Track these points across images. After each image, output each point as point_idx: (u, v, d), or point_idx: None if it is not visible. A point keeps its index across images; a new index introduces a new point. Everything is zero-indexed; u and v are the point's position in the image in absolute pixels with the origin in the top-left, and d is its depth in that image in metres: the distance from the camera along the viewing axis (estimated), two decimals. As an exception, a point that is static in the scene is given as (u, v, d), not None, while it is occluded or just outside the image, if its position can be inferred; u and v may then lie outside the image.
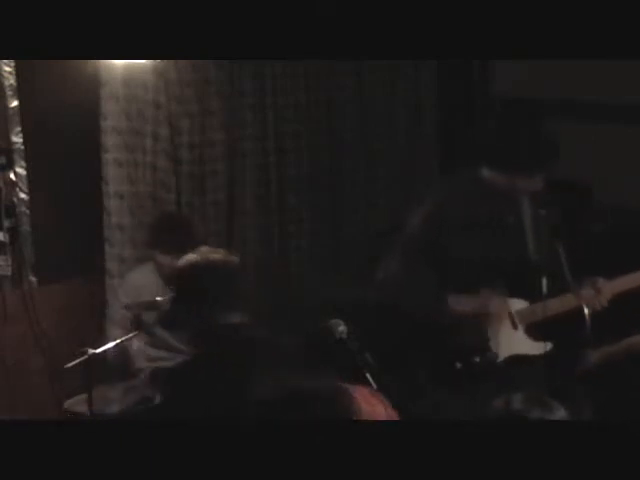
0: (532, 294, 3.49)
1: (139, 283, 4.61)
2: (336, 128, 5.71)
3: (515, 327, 3.55)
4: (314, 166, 5.61)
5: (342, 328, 3.02)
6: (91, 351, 3.81)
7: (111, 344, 4.10)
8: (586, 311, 3.35)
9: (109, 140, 4.81)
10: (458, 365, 3.49)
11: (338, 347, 3.00)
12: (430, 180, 5.97)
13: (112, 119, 4.80)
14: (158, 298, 4.16)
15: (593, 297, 3.47)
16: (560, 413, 2.22)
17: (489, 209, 3.51)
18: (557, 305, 3.48)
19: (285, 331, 3.29)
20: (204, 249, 3.20)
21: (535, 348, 3.55)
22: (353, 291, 5.37)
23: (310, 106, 5.56)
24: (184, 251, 4.46)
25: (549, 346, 3.55)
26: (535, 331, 3.56)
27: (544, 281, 3.37)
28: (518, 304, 3.56)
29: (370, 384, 2.89)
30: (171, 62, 4.92)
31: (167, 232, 4.56)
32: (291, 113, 5.47)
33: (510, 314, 3.55)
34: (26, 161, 4.70)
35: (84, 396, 3.96)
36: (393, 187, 5.95)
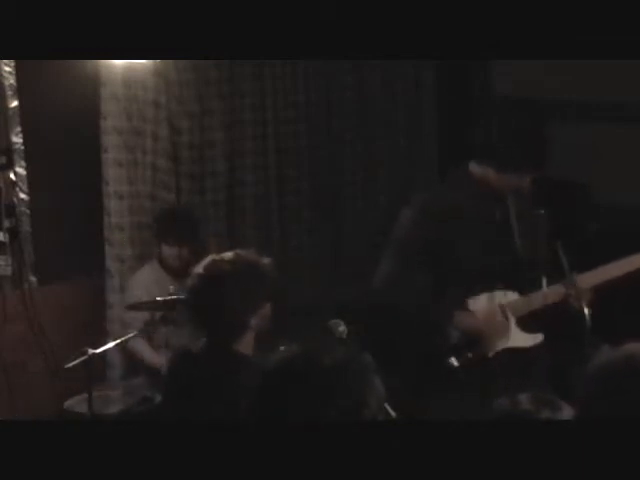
0: (524, 287, 3.51)
1: (147, 281, 4.61)
2: (336, 128, 5.71)
3: (507, 319, 3.55)
4: (314, 166, 5.62)
5: (342, 328, 3.01)
6: (91, 351, 3.81)
7: (111, 344, 4.11)
8: (586, 311, 3.34)
9: (109, 140, 4.81)
10: (454, 361, 3.47)
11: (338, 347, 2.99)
12: (430, 179, 5.98)
13: (112, 119, 4.80)
14: (158, 298, 4.16)
15: (574, 290, 3.44)
16: (567, 412, 2.22)
17: (476, 205, 3.51)
18: (547, 297, 3.49)
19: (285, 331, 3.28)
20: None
21: (527, 340, 3.56)
22: (353, 291, 5.38)
23: (310, 106, 5.56)
24: (187, 243, 4.55)
25: (541, 338, 3.57)
26: (527, 323, 3.56)
27: (543, 278, 3.38)
28: (509, 296, 3.56)
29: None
30: (171, 62, 4.92)
31: (170, 224, 4.61)
32: (291, 113, 5.47)
33: (502, 306, 3.55)
34: (26, 161, 4.70)
35: (84, 396, 3.96)
36: (393, 187, 5.95)
